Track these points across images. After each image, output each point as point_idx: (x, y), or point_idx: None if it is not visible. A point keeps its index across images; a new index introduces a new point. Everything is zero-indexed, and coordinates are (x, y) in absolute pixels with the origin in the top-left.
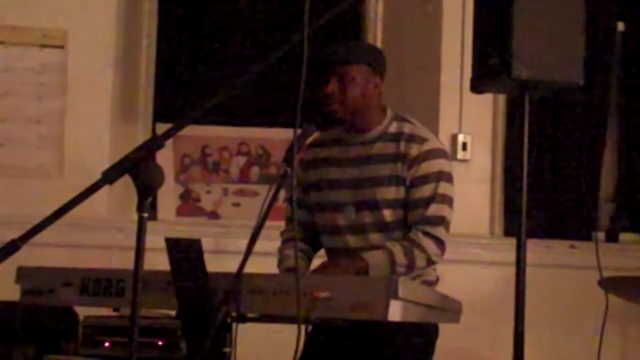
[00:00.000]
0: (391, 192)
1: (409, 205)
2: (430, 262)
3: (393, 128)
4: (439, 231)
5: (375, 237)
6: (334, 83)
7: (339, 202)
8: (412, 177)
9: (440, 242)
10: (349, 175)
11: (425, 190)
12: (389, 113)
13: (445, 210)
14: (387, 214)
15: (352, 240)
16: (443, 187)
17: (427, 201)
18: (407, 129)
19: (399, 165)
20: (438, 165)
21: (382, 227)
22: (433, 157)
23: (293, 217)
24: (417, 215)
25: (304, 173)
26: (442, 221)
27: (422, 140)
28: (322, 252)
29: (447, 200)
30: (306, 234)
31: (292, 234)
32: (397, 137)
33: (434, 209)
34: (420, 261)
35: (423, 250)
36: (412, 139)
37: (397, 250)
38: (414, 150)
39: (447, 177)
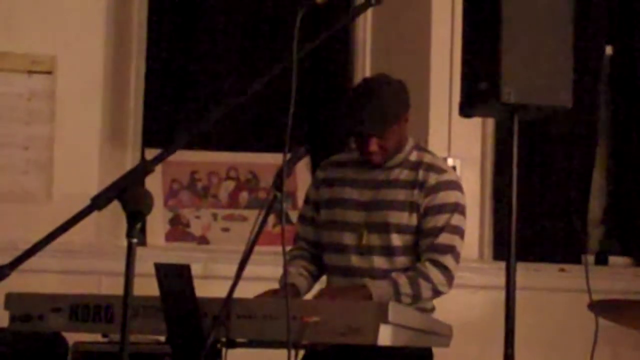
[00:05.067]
0: (404, 218)
1: (421, 233)
2: (436, 292)
3: (414, 157)
4: (447, 260)
5: (379, 261)
6: (374, 143)
7: (349, 222)
8: (427, 205)
9: (447, 271)
10: (363, 197)
11: (439, 220)
12: (410, 141)
13: (456, 240)
14: (395, 238)
15: (356, 261)
16: (457, 219)
17: (439, 230)
18: (427, 158)
19: (415, 192)
20: (455, 197)
21: (389, 251)
22: (451, 188)
23: (282, 240)
24: (427, 243)
25: (316, 191)
26: (451, 250)
27: (441, 170)
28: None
29: (459, 231)
30: (314, 252)
31: (299, 252)
32: (416, 166)
33: (444, 238)
34: (426, 292)
35: (429, 280)
36: (431, 168)
37: (403, 280)
38: (432, 179)
39: (461, 209)
